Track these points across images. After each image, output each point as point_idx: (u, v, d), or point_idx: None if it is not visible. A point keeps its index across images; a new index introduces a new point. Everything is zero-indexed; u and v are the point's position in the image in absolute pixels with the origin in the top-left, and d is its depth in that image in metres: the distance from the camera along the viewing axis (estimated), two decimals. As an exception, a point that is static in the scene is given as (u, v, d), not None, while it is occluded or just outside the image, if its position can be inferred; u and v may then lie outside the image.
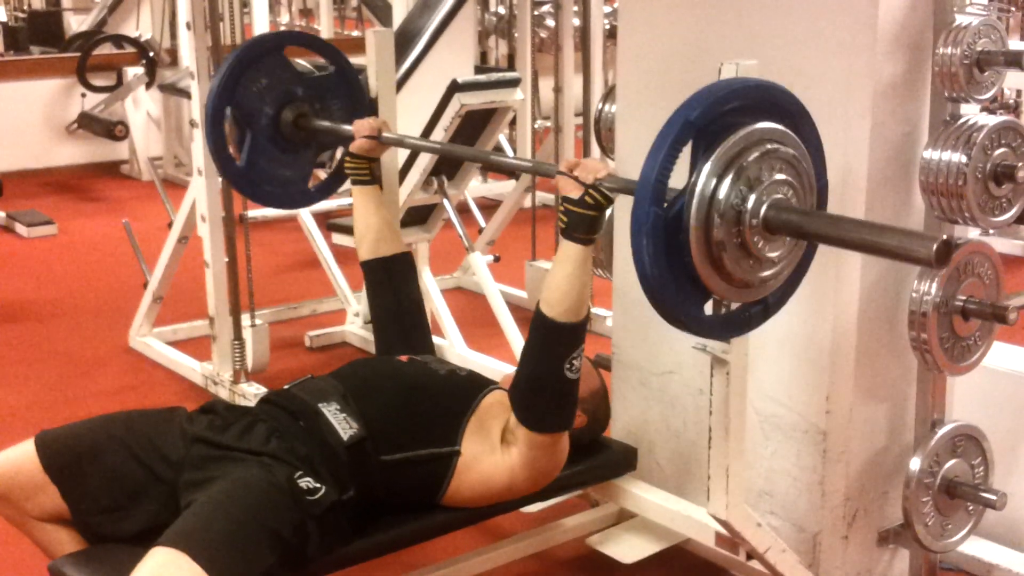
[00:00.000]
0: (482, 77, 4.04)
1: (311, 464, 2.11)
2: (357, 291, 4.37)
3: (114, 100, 7.34)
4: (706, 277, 1.74)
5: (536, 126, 6.37)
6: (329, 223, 4.33)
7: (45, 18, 8.86)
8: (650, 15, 2.60)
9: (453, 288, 5.00)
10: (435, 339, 2.72)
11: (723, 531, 2.21)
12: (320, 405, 2.21)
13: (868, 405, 2.40)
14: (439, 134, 3.86)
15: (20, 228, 6.14)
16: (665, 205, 1.71)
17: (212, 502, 1.99)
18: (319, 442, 2.16)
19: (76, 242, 6.06)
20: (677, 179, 1.72)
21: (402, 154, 3.38)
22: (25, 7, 8.92)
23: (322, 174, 3.14)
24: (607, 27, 5.81)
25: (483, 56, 7.19)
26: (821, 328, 2.34)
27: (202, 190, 3.74)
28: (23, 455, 2.12)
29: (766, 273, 1.81)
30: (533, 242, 4.77)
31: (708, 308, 1.85)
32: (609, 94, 2.99)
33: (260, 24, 7.46)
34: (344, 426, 2.18)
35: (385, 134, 2.61)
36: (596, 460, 2.55)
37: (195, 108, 3.71)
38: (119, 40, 7.58)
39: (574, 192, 2.03)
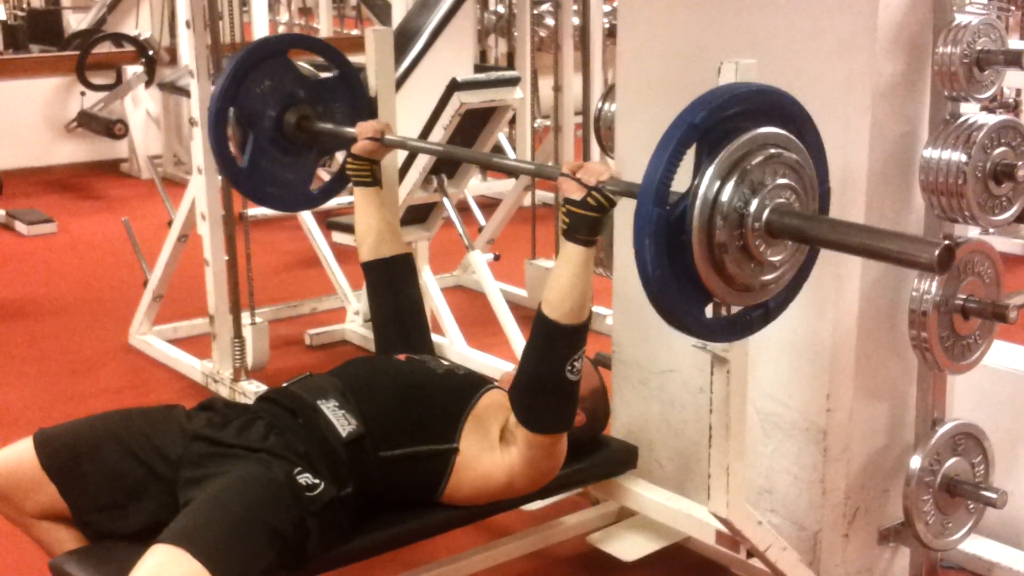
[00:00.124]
0: (481, 76, 4.04)
1: (310, 460, 2.12)
2: (357, 289, 4.37)
3: (113, 98, 7.34)
4: (707, 279, 1.74)
5: (536, 125, 6.37)
6: (329, 221, 4.34)
7: (44, 16, 8.86)
8: (649, 14, 2.60)
9: (453, 287, 5.00)
10: (435, 337, 2.73)
11: (724, 529, 2.21)
12: (319, 402, 2.22)
13: (868, 403, 2.40)
14: (438, 133, 3.86)
15: (20, 226, 6.14)
16: (668, 207, 1.72)
17: (211, 499, 1.99)
18: (318, 439, 2.16)
19: (76, 241, 6.06)
20: (679, 184, 1.72)
21: (402, 153, 3.38)
22: (24, 5, 8.91)
23: (323, 174, 3.14)
24: (607, 26, 5.80)
25: (482, 55, 7.18)
26: (821, 327, 2.34)
27: (202, 188, 3.74)
28: (22, 453, 2.12)
29: (767, 277, 1.81)
30: (533, 241, 4.77)
31: (709, 311, 1.86)
32: (609, 93, 2.99)
33: (259, 23, 7.46)
34: (343, 423, 2.18)
35: (388, 136, 2.62)
36: (597, 458, 2.56)
37: (194, 106, 3.71)
38: (118, 38, 7.58)
39: (576, 194, 2.03)
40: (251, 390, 3.64)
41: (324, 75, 2.85)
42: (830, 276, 2.27)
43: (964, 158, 2.16)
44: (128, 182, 7.45)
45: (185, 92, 4.91)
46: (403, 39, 4.63)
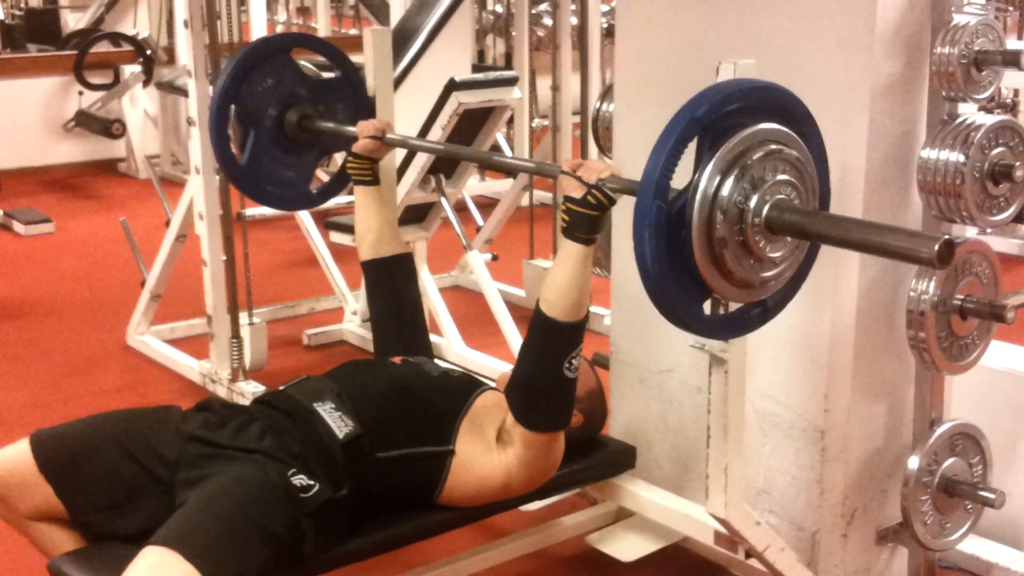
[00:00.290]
0: (480, 76, 4.04)
1: (305, 462, 2.11)
2: (355, 289, 4.37)
3: (111, 98, 7.33)
4: (707, 274, 1.74)
5: (534, 125, 6.37)
6: (327, 221, 4.33)
7: (42, 16, 8.85)
8: (648, 14, 2.60)
9: (451, 287, 4.99)
10: (433, 338, 2.73)
11: (722, 529, 2.21)
12: (315, 404, 2.21)
13: (866, 404, 2.40)
14: (436, 132, 3.86)
15: (17, 226, 6.13)
16: (668, 202, 1.71)
17: (204, 500, 1.98)
18: (315, 441, 2.16)
19: (73, 240, 6.06)
20: (678, 181, 1.72)
21: (400, 152, 3.38)
22: (22, 5, 8.90)
23: (321, 174, 3.14)
24: (605, 26, 5.80)
25: (480, 55, 7.18)
26: (819, 326, 2.34)
27: (200, 188, 3.74)
28: (18, 455, 2.11)
29: (767, 274, 1.81)
30: (531, 240, 4.77)
31: (707, 308, 1.86)
32: (607, 93, 3.00)
33: (257, 22, 7.45)
34: (340, 424, 2.18)
35: (388, 135, 2.62)
36: (595, 458, 2.56)
37: (192, 106, 3.71)
38: (116, 38, 7.58)
39: (577, 192, 2.03)
40: (249, 390, 3.63)
41: (326, 75, 2.85)
42: (828, 275, 2.27)
43: (962, 158, 2.16)
44: (126, 182, 7.44)
45: (183, 92, 4.91)
46: (401, 39, 4.62)
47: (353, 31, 9.84)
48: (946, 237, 1.61)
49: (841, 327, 2.32)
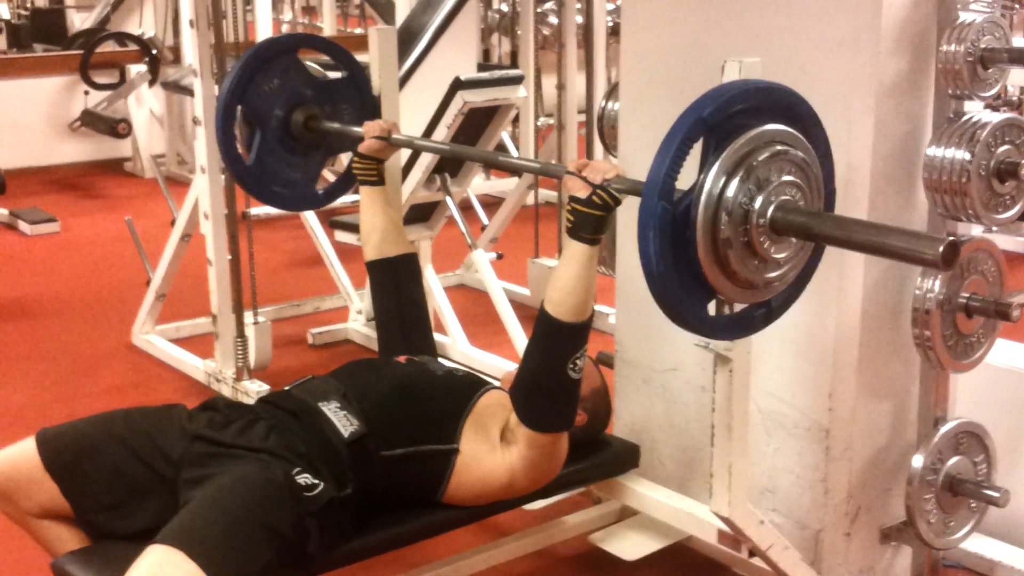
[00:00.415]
0: (485, 75, 4.05)
1: (310, 461, 2.11)
2: (360, 288, 4.37)
3: (117, 98, 7.35)
4: (711, 275, 1.74)
5: (539, 124, 6.37)
6: (331, 220, 4.34)
7: (48, 15, 8.85)
8: (653, 13, 2.59)
9: (456, 286, 4.99)
10: (438, 336, 2.73)
11: (726, 528, 2.21)
12: (320, 404, 2.22)
13: (871, 402, 2.40)
14: (442, 132, 3.86)
15: (23, 226, 6.14)
16: (673, 202, 1.71)
17: (208, 499, 1.98)
18: (319, 440, 2.16)
19: (79, 240, 6.07)
20: (683, 182, 1.72)
21: (405, 152, 3.38)
22: (28, 5, 8.92)
23: (327, 174, 3.14)
24: (610, 24, 5.79)
25: (486, 54, 7.18)
26: (824, 325, 2.34)
27: (205, 188, 3.74)
28: (24, 453, 2.12)
29: (771, 274, 1.80)
30: (536, 239, 4.77)
31: (712, 308, 1.85)
32: (612, 92, 2.99)
33: (263, 22, 7.46)
34: (345, 423, 2.18)
35: (394, 136, 2.62)
36: (599, 457, 2.56)
37: (198, 106, 3.71)
38: (122, 38, 7.58)
39: (582, 192, 2.02)
40: (253, 389, 3.64)
41: (333, 75, 2.85)
42: (833, 275, 2.27)
43: (968, 156, 2.16)
44: (131, 181, 7.45)
45: (189, 91, 4.91)
46: (406, 38, 4.62)
47: (359, 30, 9.85)
48: (951, 238, 1.61)
49: (846, 326, 2.32)
